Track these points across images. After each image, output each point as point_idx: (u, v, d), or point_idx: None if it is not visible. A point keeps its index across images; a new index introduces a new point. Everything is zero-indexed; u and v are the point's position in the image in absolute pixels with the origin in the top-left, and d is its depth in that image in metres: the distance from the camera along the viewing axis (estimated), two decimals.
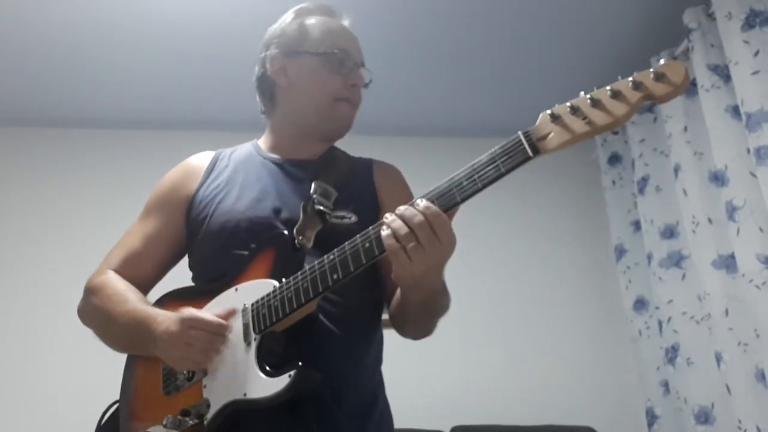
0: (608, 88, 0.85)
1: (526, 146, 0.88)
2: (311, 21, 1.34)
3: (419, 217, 0.92)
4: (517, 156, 0.89)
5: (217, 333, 1.06)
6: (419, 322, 1.17)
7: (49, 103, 3.17)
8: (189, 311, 1.07)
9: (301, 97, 1.32)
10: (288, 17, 1.37)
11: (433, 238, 0.91)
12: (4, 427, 2.74)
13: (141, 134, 3.35)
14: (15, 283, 3.03)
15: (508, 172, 0.90)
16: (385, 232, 0.94)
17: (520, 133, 0.90)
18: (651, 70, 0.84)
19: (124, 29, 2.70)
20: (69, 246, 3.08)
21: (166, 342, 1.07)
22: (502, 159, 0.90)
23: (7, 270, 3.06)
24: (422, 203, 0.94)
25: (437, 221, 0.92)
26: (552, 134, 0.88)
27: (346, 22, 1.39)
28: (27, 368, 2.89)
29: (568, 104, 0.88)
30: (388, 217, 0.96)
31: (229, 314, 1.09)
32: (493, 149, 0.91)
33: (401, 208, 0.95)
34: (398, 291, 1.14)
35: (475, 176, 0.91)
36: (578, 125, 0.86)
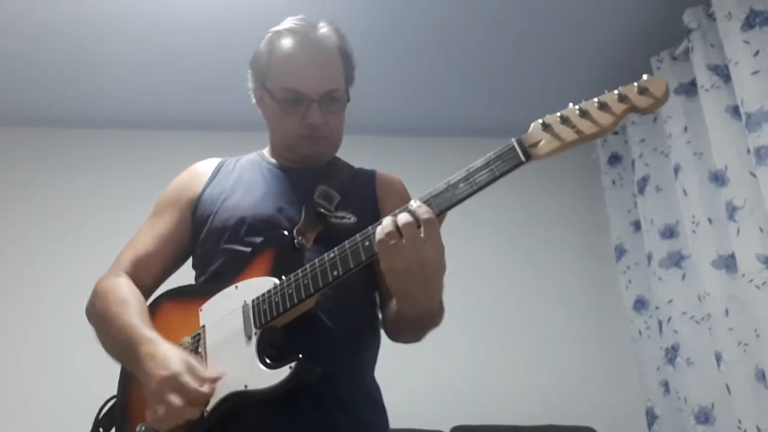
0: (596, 100, 0.93)
1: (519, 152, 0.95)
2: (278, 49, 1.29)
3: (406, 216, 0.96)
4: (510, 161, 0.96)
5: (195, 403, 1.02)
6: (410, 333, 1.20)
7: (49, 103, 3.17)
8: (176, 369, 1.02)
9: (272, 131, 1.37)
10: (264, 40, 1.33)
11: (417, 235, 0.95)
12: (2, 422, 2.74)
13: (141, 134, 3.35)
14: (15, 282, 3.04)
15: (501, 176, 0.96)
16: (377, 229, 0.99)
17: (513, 140, 0.97)
18: (635, 84, 0.93)
19: (125, 29, 2.70)
20: (69, 245, 3.08)
21: (146, 387, 1.05)
22: (497, 164, 0.96)
23: (7, 269, 3.06)
24: (415, 203, 0.98)
25: (425, 222, 0.96)
26: (543, 141, 0.95)
27: (320, 35, 1.29)
28: (26, 366, 2.90)
29: (558, 114, 0.95)
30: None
31: (218, 378, 1.06)
32: (487, 155, 0.97)
33: (397, 210, 0.99)
34: (393, 300, 1.15)
35: (471, 179, 0.97)
36: (567, 133, 0.94)
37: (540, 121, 0.96)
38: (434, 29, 2.78)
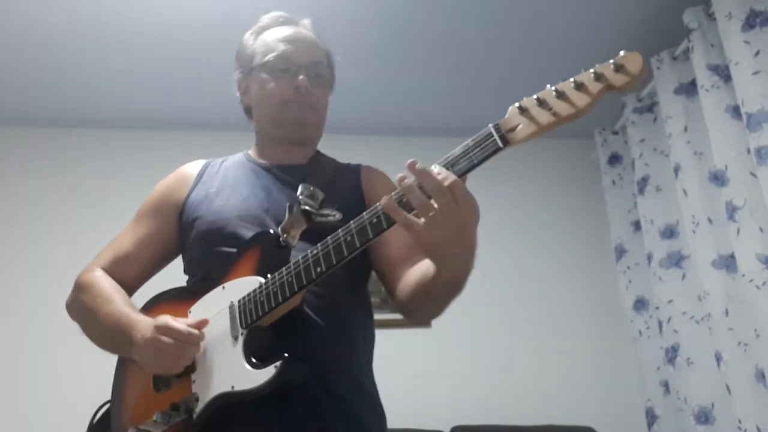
0: (572, 79, 0.90)
1: (497, 138, 0.92)
2: (265, 32, 1.38)
3: (434, 182, 0.92)
4: (488, 147, 0.93)
5: (186, 341, 1.07)
6: (442, 301, 1.13)
7: (49, 103, 3.17)
8: (163, 319, 1.09)
9: (260, 110, 1.37)
10: (247, 35, 1.41)
11: (450, 201, 0.92)
12: None
13: (141, 134, 3.35)
14: (13, 283, 3.04)
15: (479, 163, 0.93)
16: (388, 203, 0.96)
17: (490, 125, 0.94)
18: (611, 61, 0.89)
19: (124, 30, 2.70)
20: (68, 246, 3.07)
21: (142, 347, 1.10)
22: (474, 151, 0.94)
23: (6, 269, 3.06)
24: (437, 168, 0.94)
25: (452, 187, 0.92)
26: (520, 126, 0.92)
27: (303, 25, 1.39)
28: (22, 369, 2.89)
29: (535, 96, 0.92)
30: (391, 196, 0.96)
31: (202, 323, 1.11)
32: (465, 142, 0.95)
33: (406, 182, 0.95)
34: (423, 271, 1.11)
35: (449, 168, 0.94)
36: (544, 116, 0.91)
37: (517, 104, 0.93)
38: (434, 29, 2.78)
